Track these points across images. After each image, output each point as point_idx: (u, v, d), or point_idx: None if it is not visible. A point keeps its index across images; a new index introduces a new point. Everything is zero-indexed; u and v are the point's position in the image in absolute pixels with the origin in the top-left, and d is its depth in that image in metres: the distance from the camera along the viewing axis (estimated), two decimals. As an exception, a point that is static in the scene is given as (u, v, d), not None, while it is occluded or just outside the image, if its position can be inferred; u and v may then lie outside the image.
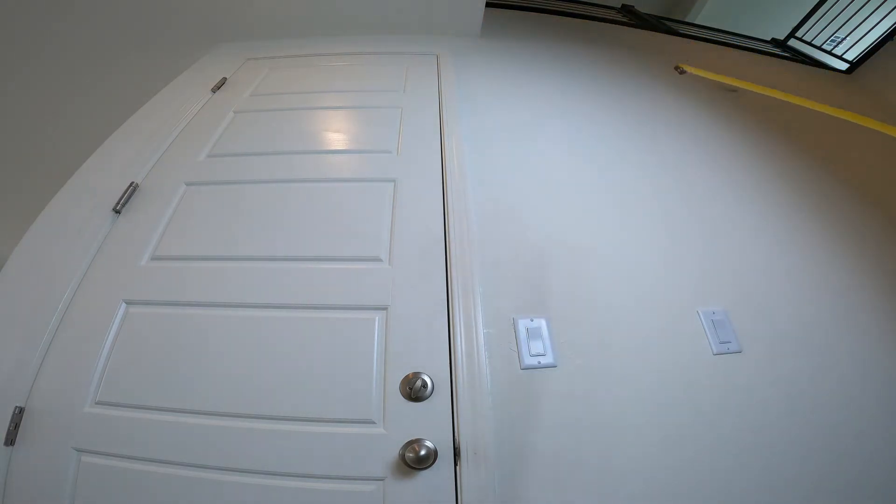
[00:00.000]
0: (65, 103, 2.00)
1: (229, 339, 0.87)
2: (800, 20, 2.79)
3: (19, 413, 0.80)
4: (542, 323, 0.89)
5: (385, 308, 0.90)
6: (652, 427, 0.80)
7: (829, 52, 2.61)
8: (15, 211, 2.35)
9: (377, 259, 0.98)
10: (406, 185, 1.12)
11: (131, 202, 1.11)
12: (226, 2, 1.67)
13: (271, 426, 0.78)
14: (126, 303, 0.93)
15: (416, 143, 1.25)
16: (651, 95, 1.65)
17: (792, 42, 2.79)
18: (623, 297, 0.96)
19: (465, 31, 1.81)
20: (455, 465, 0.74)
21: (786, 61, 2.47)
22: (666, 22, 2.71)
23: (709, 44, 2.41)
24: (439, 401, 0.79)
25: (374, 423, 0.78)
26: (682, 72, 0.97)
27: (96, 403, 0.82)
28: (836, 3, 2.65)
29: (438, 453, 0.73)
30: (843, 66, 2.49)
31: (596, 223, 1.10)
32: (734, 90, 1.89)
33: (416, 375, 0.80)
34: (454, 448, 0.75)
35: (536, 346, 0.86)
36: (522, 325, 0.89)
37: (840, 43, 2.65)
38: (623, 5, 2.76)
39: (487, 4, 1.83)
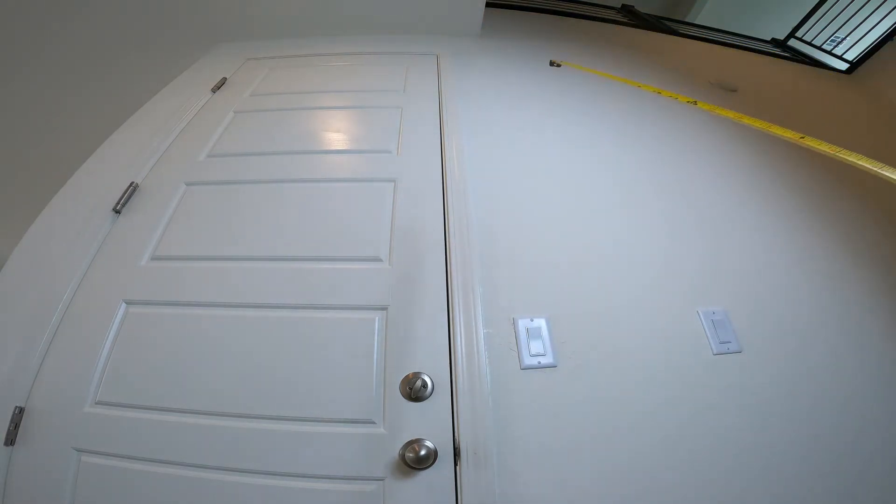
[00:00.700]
0: (65, 103, 2.00)
1: (229, 339, 0.87)
2: (800, 20, 2.79)
3: (19, 413, 0.80)
4: (542, 323, 0.89)
5: (385, 308, 0.90)
6: (652, 427, 0.80)
7: (829, 52, 2.61)
8: (15, 211, 2.35)
9: (377, 259, 0.98)
10: (406, 185, 1.12)
11: (131, 202, 1.11)
12: (226, 2, 1.67)
13: (271, 426, 0.78)
14: (126, 303, 0.93)
15: (416, 143, 1.25)
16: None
17: (792, 42, 2.79)
18: (623, 297, 0.96)
19: (465, 31, 1.81)
20: (455, 464, 0.74)
21: (786, 61, 2.47)
22: (666, 22, 2.71)
23: (709, 44, 2.41)
24: (439, 401, 0.79)
25: (374, 423, 0.78)
26: (558, 65, 1.00)
27: (96, 403, 0.82)
28: (836, 3, 2.65)
29: (438, 453, 0.73)
30: (843, 66, 2.49)
31: (596, 223, 1.09)
32: (734, 89, 1.89)
33: (416, 375, 0.80)
34: (454, 448, 0.75)
35: (536, 346, 0.86)
36: (522, 325, 0.89)
37: (840, 43, 2.65)
38: (623, 5, 2.76)
39: (487, 4, 1.83)
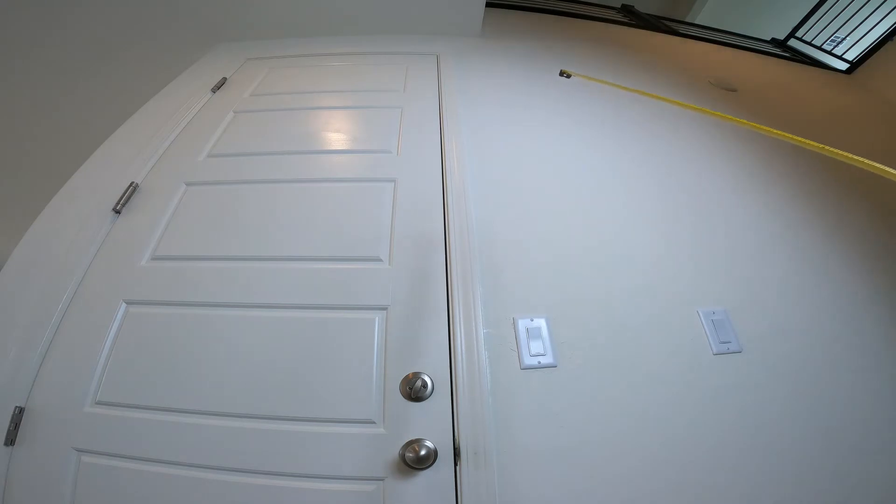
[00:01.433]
0: (65, 103, 2.00)
1: (228, 339, 0.87)
2: (800, 20, 2.79)
3: (19, 413, 0.80)
4: (542, 323, 0.89)
5: (385, 308, 0.90)
6: (652, 426, 0.80)
7: (829, 52, 2.61)
8: (15, 211, 2.35)
9: (377, 259, 0.98)
10: (406, 185, 1.12)
11: (131, 202, 1.11)
12: (226, 2, 1.67)
13: (271, 426, 0.78)
14: (126, 303, 0.93)
15: (416, 143, 1.25)
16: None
17: (792, 42, 2.80)
18: (623, 297, 0.96)
19: (465, 31, 1.81)
20: (455, 465, 0.74)
21: (786, 61, 2.47)
22: (666, 22, 2.72)
23: (709, 44, 2.41)
24: (439, 401, 0.79)
25: (374, 423, 0.78)
26: (568, 76, 0.99)
27: (96, 403, 0.82)
28: (836, 3, 2.65)
29: (438, 453, 0.73)
30: (843, 66, 2.49)
31: (597, 223, 1.09)
32: (734, 89, 1.89)
33: (416, 375, 0.80)
34: (454, 448, 0.75)
35: (536, 346, 0.86)
36: (522, 325, 0.89)
37: (840, 43, 2.65)
38: (623, 5, 2.76)
39: (487, 4, 1.83)
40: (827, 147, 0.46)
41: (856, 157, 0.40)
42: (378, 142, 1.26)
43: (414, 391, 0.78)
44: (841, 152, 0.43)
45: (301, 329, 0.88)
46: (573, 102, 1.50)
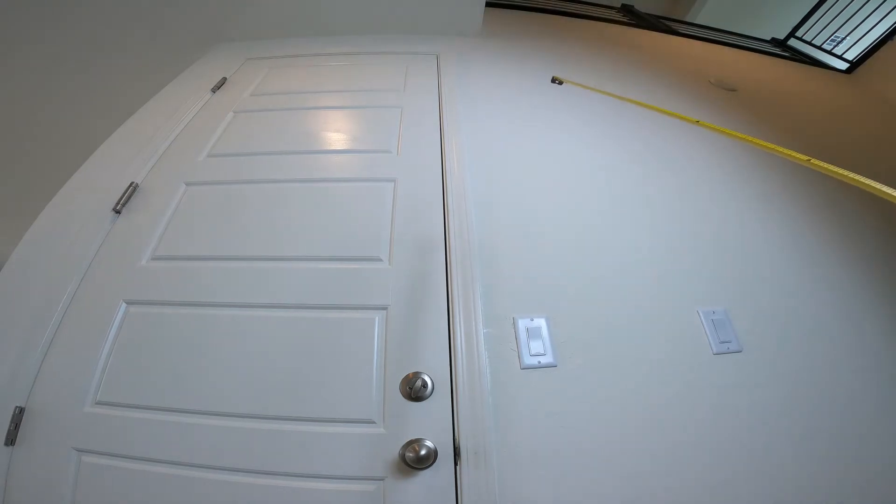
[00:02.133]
0: (65, 103, 2.00)
1: (229, 338, 0.87)
2: (800, 20, 2.79)
3: (19, 413, 0.80)
4: (542, 323, 0.89)
5: (385, 308, 0.90)
6: (652, 426, 0.80)
7: (829, 52, 2.61)
8: (15, 211, 2.35)
9: (377, 259, 0.98)
10: (406, 185, 1.12)
11: (131, 202, 1.11)
12: (226, 2, 1.67)
13: (271, 426, 0.78)
14: (126, 303, 0.93)
15: (416, 143, 1.25)
16: (651, 95, 1.65)
17: (792, 42, 2.80)
18: (623, 297, 0.96)
19: (465, 31, 1.81)
20: (455, 464, 0.74)
21: (786, 61, 2.47)
22: (666, 21, 2.71)
23: (709, 43, 2.41)
24: (439, 401, 0.79)
25: (374, 422, 0.78)
26: (560, 83, 0.98)
27: (96, 403, 0.82)
28: (836, 2, 2.65)
29: (438, 453, 0.73)
30: (843, 65, 2.49)
31: (597, 222, 1.09)
32: (734, 89, 1.89)
33: (416, 375, 0.80)
34: (454, 448, 0.75)
35: (536, 346, 0.86)
36: (522, 324, 0.89)
37: (840, 43, 2.65)
38: (623, 5, 2.76)
39: (487, 4, 1.83)
40: (812, 160, 0.46)
41: (841, 172, 0.40)
42: (378, 142, 1.26)
43: (414, 391, 0.78)
44: (826, 166, 0.43)
45: (301, 329, 0.88)
46: (574, 102, 1.50)
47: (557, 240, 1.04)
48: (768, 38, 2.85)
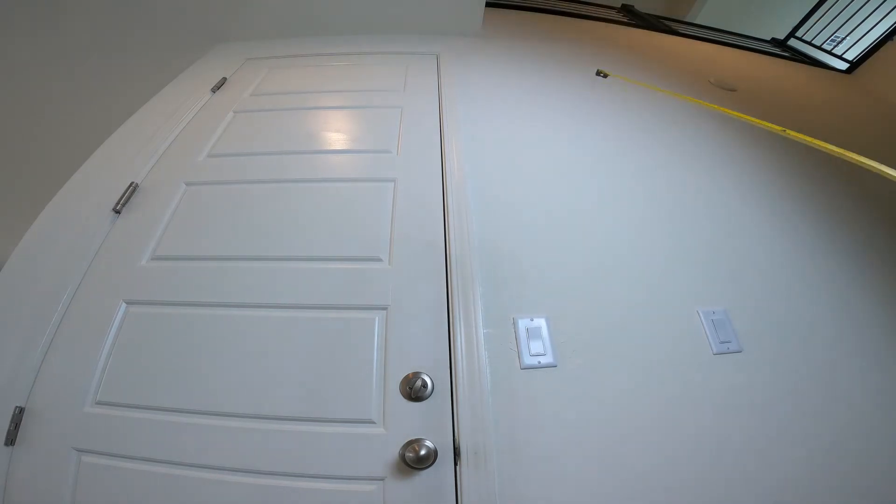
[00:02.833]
0: (65, 103, 2.00)
1: (229, 338, 0.87)
2: (800, 20, 2.80)
3: (19, 413, 0.80)
4: (542, 323, 0.89)
5: (385, 308, 0.90)
6: (652, 426, 0.80)
7: (829, 52, 2.61)
8: (15, 211, 2.35)
9: (377, 259, 0.98)
10: (406, 185, 1.12)
11: (131, 202, 1.11)
12: (226, 2, 1.67)
13: (271, 426, 0.78)
14: (126, 303, 0.93)
15: (416, 143, 1.25)
16: (651, 95, 1.65)
17: (792, 42, 2.80)
18: (623, 297, 0.96)
19: (465, 31, 1.81)
20: (455, 464, 0.74)
21: (786, 61, 2.47)
22: (666, 21, 2.71)
23: (709, 43, 2.41)
24: (439, 401, 0.79)
25: (374, 422, 0.78)
26: (605, 76, 0.96)
27: (96, 403, 0.82)
28: (836, 2, 2.65)
29: (438, 453, 0.73)
30: (843, 65, 2.49)
31: (597, 222, 1.09)
32: (734, 89, 1.90)
33: (416, 375, 0.80)
34: (454, 448, 0.75)
35: (536, 346, 0.86)
36: (522, 324, 0.89)
37: (840, 43, 2.65)
38: (623, 5, 2.76)
39: (487, 4, 1.83)
40: (788, 130, 0.46)
41: (814, 141, 0.40)
42: (378, 142, 1.26)
43: (414, 391, 0.78)
44: (800, 136, 0.43)
45: (300, 329, 0.88)
46: (573, 102, 1.50)
47: (558, 240, 1.04)
48: (768, 38, 2.85)
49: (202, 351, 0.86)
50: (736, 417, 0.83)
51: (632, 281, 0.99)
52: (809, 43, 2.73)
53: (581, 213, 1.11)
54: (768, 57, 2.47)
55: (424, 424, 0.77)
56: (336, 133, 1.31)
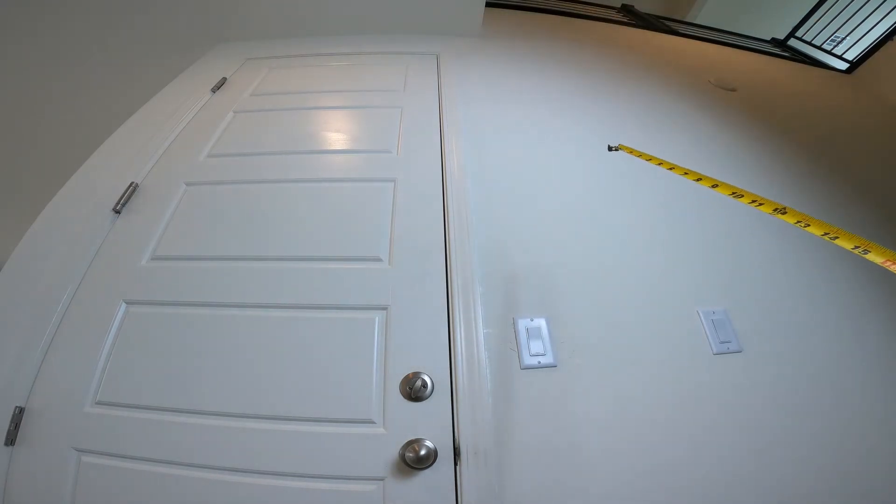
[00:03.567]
0: (65, 103, 2.00)
1: (229, 339, 0.87)
2: (800, 20, 2.79)
3: (19, 413, 0.80)
4: (542, 323, 0.89)
5: (385, 308, 0.90)
6: (652, 427, 0.80)
7: (829, 52, 2.61)
8: (15, 211, 2.35)
9: (377, 259, 0.98)
10: (406, 185, 1.12)
11: (131, 202, 1.11)
12: (226, 2, 1.67)
13: (271, 426, 0.78)
14: (126, 303, 0.93)
15: (416, 143, 1.25)
16: (651, 95, 1.65)
17: (792, 42, 2.80)
18: (623, 297, 0.96)
19: (465, 31, 1.81)
20: (455, 464, 0.74)
21: (786, 61, 2.47)
22: (666, 21, 2.71)
23: (709, 43, 2.41)
24: (439, 401, 0.79)
25: (374, 422, 0.78)
26: (616, 150, 0.95)
27: (96, 403, 0.82)
28: (836, 2, 2.65)
29: (438, 453, 0.73)
30: (843, 65, 2.49)
31: (596, 222, 1.09)
32: (734, 89, 1.89)
33: (416, 375, 0.80)
34: (454, 448, 0.75)
35: (536, 346, 0.86)
36: (522, 325, 0.89)
37: (840, 43, 2.65)
38: (623, 5, 2.76)
39: (487, 4, 1.83)
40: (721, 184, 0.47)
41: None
42: (378, 142, 1.26)
43: (414, 391, 0.78)
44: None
45: (300, 329, 0.88)
46: (573, 102, 1.50)
47: (558, 239, 1.04)
48: (768, 38, 2.85)
49: (202, 351, 0.86)
50: (736, 417, 0.83)
51: (632, 281, 0.99)
52: (809, 43, 2.73)
53: (581, 213, 1.11)
54: (768, 57, 2.46)
55: (424, 424, 0.77)
56: (336, 133, 1.31)
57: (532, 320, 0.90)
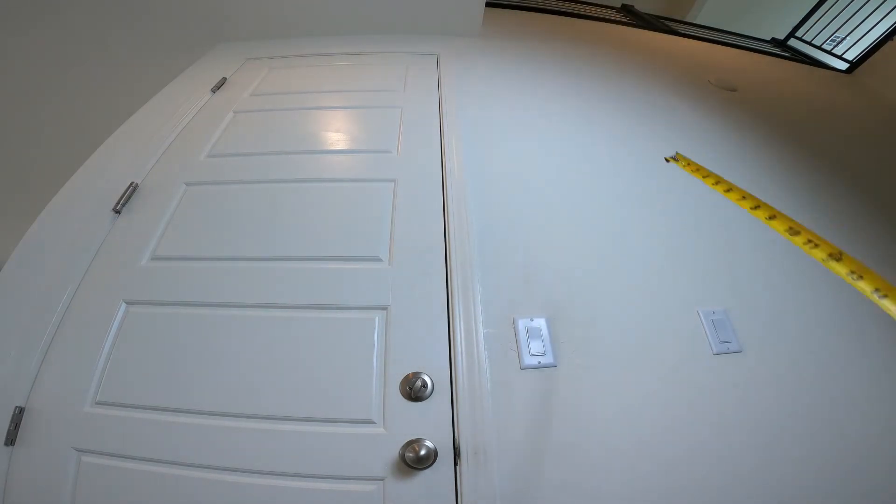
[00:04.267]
0: (65, 103, 2.00)
1: (229, 339, 0.87)
2: (800, 20, 2.79)
3: (19, 413, 0.80)
4: (542, 323, 0.89)
5: (385, 308, 0.90)
6: (652, 427, 0.80)
7: (829, 52, 2.61)
8: (15, 211, 2.35)
9: (377, 259, 0.98)
10: (406, 185, 1.12)
11: (131, 202, 1.11)
12: (226, 2, 1.67)
13: (271, 426, 0.78)
14: (126, 303, 0.93)
15: (416, 143, 1.25)
16: (651, 95, 1.65)
17: (792, 42, 2.80)
18: (623, 297, 0.96)
19: (465, 31, 1.81)
20: (455, 464, 0.74)
21: (786, 61, 2.47)
22: (666, 22, 2.71)
23: (709, 43, 2.41)
24: (439, 401, 0.79)
25: (374, 422, 0.78)
26: (675, 160, 0.93)
27: (96, 403, 0.82)
28: (836, 2, 2.65)
29: (438, 453, 0.73)
30: (843, 65, 2.49)
31: (596, 222, 1.09)
32: (734, 89, 1.89)
33: (416, 375, 0.80)
34: (454, 448, 0.75)
35: (536, 346, 0.86)
36: (522, 325, 0.89)
37: (840, 43, 2.65)
38: (623, 5, 2.76)
39: (487, 4, 1.83)
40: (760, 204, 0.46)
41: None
42: (378, 142, 1.26)
43: (414, 391, 0.78)
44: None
45: (300, 329, 0.88)
46: (573, 102, 1.50)
47: (558, 239, 1.04)
48: (768, 38, 2.85)
49: (202, 351, 0.86)
50: (737, 417, 0.83)
51: (632, 281, 0.99)
52: (809, 43, 2.73)
53: (582, 213, 1.11)
54: (768, 57, 2.46)
55: (424, 424, 0.77)
56: (336, 133, 1.31)
57: (532, 320, 0.90)
